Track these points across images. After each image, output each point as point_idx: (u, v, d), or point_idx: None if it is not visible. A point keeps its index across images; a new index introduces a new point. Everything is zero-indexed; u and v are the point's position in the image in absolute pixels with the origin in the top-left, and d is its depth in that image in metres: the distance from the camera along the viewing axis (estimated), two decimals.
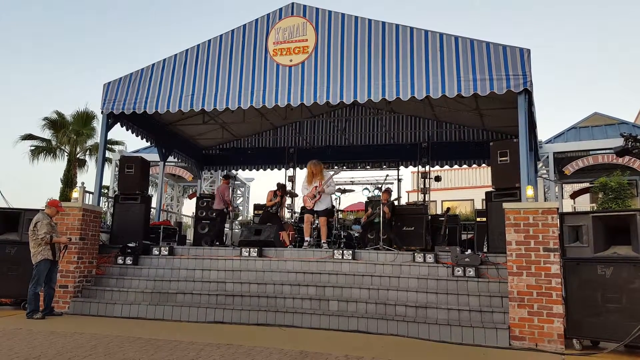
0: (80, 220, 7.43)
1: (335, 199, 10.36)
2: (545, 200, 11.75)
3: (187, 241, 11.89)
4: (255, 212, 12.04)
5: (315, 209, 8.55)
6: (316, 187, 8.49)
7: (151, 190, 16.58)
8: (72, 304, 7.15)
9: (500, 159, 7.47)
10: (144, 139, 10.41)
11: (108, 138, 9.00)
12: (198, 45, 8.15)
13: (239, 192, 19.44)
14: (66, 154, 19.80)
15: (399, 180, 12.82)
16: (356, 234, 10.60)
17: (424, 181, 12.27)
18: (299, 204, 11.52)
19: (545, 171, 13.14)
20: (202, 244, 10.08)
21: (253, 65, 7.81)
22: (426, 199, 12.07)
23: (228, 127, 12.15)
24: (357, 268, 7.17)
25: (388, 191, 9.60)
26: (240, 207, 19.41)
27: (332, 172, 8.98)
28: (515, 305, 5.62)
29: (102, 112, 8.48)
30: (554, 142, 13.71)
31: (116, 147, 18.84)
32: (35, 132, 19.96)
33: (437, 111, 11.04)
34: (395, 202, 10.65)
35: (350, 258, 7.28)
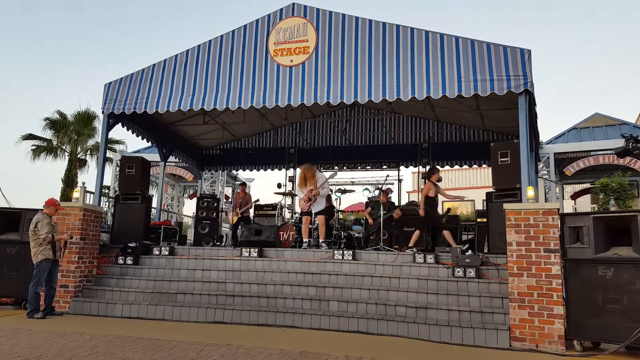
0: (81, 220, 7.44)
1: (336, 199, 10.36)
2: (546, 201, 11.73)
3: (187, 241, 11.88)
4: (256, 212, 12.02)
5: (312, 211, 8.55)
6: (311, 190, 8.49)
7: (152, 191, 16.57)
8: (73, 303, 7.16)
9: (501, 159, 7.46)
10: (145, 139, 10.41)
11: (109, 137, 9.01)
12: (199, 46, 8.15)
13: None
14: (67, 153, 19.79)
15: (400, 180, 12.82)
16: (357, 234, 10.59)
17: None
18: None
19: (546, 172, 13.12)
20: (203, 244, 10.08)
21: (253, 65, 7.82)
22: None
23: (228, 128, 12.15)
24: (358, 269, 7.17)
25: (386, 192, 9.64)
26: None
27: (327, 175, 8.92)
28: (515, 306, 5.61)
29: (102, 112, 8.49)
30: (554, 142, 13.70)
31: (117, 147, 18.81)
32: (36, 132, 19.96)
33: (438, 111, 11.04)
34: (396, 203, 10.65)
35: (351, 258, 7.28)
